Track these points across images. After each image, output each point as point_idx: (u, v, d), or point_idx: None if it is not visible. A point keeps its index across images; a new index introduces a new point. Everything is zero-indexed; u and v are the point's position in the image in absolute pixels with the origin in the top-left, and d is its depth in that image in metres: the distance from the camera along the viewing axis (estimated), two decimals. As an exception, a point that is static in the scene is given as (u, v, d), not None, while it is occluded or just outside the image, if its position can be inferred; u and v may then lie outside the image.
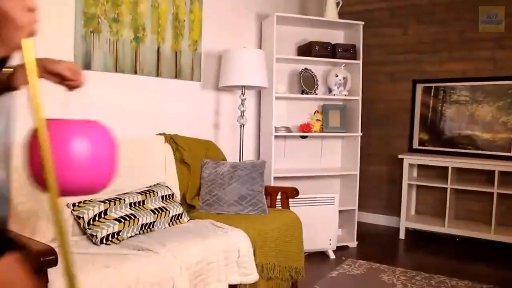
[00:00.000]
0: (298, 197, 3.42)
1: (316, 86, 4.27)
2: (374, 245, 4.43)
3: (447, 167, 4.33)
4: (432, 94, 4.72)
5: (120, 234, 2.41)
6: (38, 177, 1.10)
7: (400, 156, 4.64)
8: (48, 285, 1.76)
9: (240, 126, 3.74)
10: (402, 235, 4.59)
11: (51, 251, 1.74)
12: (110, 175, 1.22)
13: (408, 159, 4.56)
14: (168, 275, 2.14)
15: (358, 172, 4.32)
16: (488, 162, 4.17)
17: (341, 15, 4.40)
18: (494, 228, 4.11)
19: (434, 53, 4.72)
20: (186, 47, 3.59)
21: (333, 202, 3.97)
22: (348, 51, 4.26)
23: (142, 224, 2.56)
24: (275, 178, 3.98)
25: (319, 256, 3.97)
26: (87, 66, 2.93)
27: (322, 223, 3.90)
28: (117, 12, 3.08)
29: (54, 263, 1.72)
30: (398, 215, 4.69)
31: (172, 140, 3.26)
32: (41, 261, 1.67)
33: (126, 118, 3.19)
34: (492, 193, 4.11)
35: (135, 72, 3.24)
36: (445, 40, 4.65)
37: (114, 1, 3.05)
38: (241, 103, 3.69)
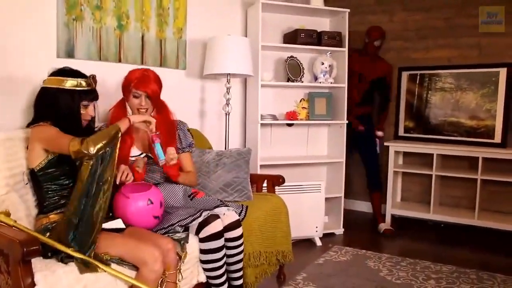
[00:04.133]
0: (285, 184, 3.43)
1: (302, 73, 4.27)
2: (360, 232, 4.47)
3: (432, 154, 4.37)
4: (417, 82, 4.74)
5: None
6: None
7: (386, 144, 4.66)
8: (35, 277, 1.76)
9: (226, 114, 3.73)
10: (388, 222, 4.63)
11: (35, 241, 1.73)
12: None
13: (394, 147, 4.59)
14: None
15: (344, 160, 4.34)
16: (472, 149, 4.21)
17: (326, 2, 4.39)
18: (478, 213, 4.16)
19: (420, 40, 4.74)
20: (171, 35, 3.56)
21: (320, 189, 3.99)
22: (333, 39, 4.25)
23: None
24: (261, 166, 3.98)
25: (305, 243, 4.00)
26: (70, 54, 2.89)
27: (309, 210, 3.93)
28: (100, -1, 3.04)
29: (37, 253, 1.71)
30: (384, 202, 4.72)
31: (157, 128, 3.26)
32: (24, 251, 1.66)
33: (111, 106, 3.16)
34: (476, 179, 4.16)
35: (119, 61, 3.21)
36: (431, 27, 4.66)
37: (96, -12, 3.01)
38: (227, 91, 3.68)
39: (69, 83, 2.20)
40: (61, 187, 2.19)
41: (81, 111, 2.26)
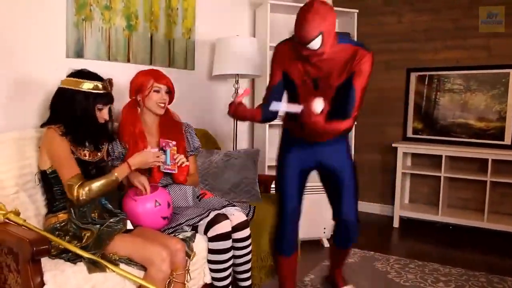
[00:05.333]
0: (293, 185, 3.41)
1: (310, 74, 4.25)
2: (368, 233, 4.44)
3: (441, 156, 4.34)
4: (426, 83, 4.72)
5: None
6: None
7: (394, 145, 4.64)
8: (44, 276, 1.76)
9: (234, 115, 3.72)
10: (396, 224, 4.62)
11: (44, 240, 1.73)
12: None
13: (402, 148, 4.57)
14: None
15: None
16: (481, 150, 4.18)
17: (335, 3, 4.36)
18: (487, 216, 4.14)
19: (429, 42, 4.71)
20: (179, 35, 3.56)
21: (327, 190, 3.97)
22: (342, 40, 4.22)
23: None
24: (269, 166, 3.96)
25: (313, 244, 3.98)
26: (79, 54, 2.90)
27: (317, 211, 3.90)
28: None
29: (47, 252, 1.71)
30: (392, 203, 4.71)
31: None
32: (34, 250, 1.66)
33: (120, 107, 3.17)
34: (485, 181, 4.13)
35: (128, 61, 3.21)
36: (439, 28, 4.64)
37: (106, -12, 3.02)
38: (235, 91, 3.67)
39: (86, 85, 2.21)
40: None
41: (97, 113, 2.27)
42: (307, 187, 3.86)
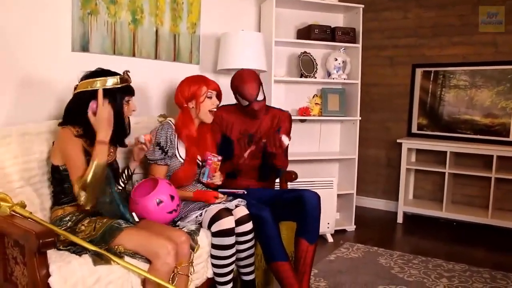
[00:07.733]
0: (297, 180, 3.42)
1: (315, 69, 4.25)
2: (372, 229, 4.45)
3: (446, 152, 4.34)
4: (431, 79, 4.70)
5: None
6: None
7: (398, 141, 4.64)
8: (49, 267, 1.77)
9: (239, 109, 3.72)
10: (400, 219, 4.62)
11: (51, 233, 1.74)
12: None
13: (407, 144, 4.56)
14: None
15: (356, 156, 4.32)
16: (487, 146, 4.17)
17: (340, -3, 4.37)
18: (491, 212, 4.13)
19: (434, 37, 4.70)
20: (184, 29, 3.56)
21: (332, 186, 3.98)
22: (347, 35, 4.23)
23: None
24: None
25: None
26: (85, 48, 2.90)
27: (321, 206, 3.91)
28: (115, -6, 3.05)
29: (53, 244, 1.72)
30: (396, 199, 4.71)
31: (170, 123, 3.27)
32: (40, 243, 1.67)
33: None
34: (490, 177, 4.12)
35: (134, 55, 3.22)
36: (445, 24, 4.62)
37: (111, -18, 3.02)
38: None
39: (110, 81, 2.14)
40: None
41: (124, 108, 2.22)
42: (313, 183, 3.91)
